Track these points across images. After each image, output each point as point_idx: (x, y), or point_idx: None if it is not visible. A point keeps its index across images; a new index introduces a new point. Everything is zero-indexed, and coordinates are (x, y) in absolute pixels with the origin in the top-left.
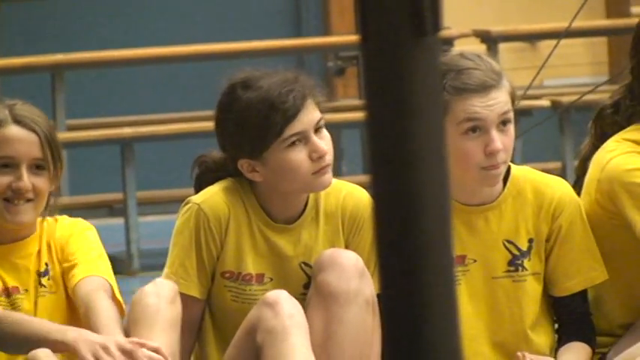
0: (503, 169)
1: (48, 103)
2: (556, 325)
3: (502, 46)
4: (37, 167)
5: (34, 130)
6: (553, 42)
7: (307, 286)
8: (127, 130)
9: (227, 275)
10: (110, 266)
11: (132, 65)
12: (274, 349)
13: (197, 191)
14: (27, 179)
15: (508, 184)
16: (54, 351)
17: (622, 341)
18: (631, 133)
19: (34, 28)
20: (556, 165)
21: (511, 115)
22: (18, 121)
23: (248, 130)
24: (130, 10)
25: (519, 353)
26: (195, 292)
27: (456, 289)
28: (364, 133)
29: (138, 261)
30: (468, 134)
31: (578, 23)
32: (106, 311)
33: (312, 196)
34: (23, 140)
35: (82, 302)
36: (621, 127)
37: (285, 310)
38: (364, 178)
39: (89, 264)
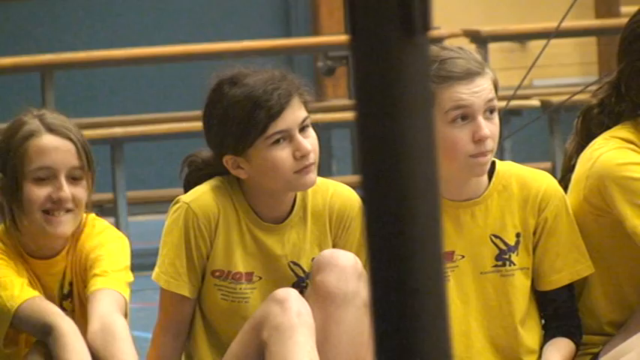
0: (490, 158)
1: (37, 103)
2: (543, 321)
3: (492, 46)
4: (73, 177)
5: (69, 138)
6: (542, 42)
7: (296, 285)
8: (117, 130)
9: (217, 274)
10: (130, 280)
11: (122, 65)
12: (280, 346)
13: (186, 191)
14: (67, 189)
15: (493, 178)
16: None
17: (613, 341)
18: (618, 131)
19: (24, 27)
20: (546, 165)
21: (496, 103)
22: (51, 129)
23: (232, 126)
24: (120, 10)
25: None
26: (185, 291)
27: (446, 285)
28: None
29: None
30: (456, 122)
31: (568, 23)
32: (125, 340)
33: (299, 195)
34: (60, 149)
35: (97, 316)
36: (607, 126)
37: (294, 308)
38: (354, 178)
39: (111, 276)
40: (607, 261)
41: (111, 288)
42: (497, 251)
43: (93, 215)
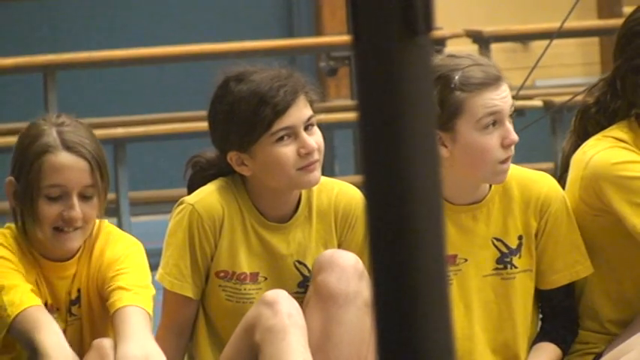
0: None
1: (40, 104)
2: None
3: (494, 47)
4: (85, 195)
5: (84, 157)
6: (545, 42)
7: (301, 284)
8: (120, 131)
9: (221, 275)
10: (154, 294)
11: (124, 65)
12: (273, 348)
13: (190, 191)
14: (78, 208)
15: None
16: None
17: (616, 341)
18: (612, 131)
19: (26, 28)
20: (548, 165)
21: (513, 108)
22: (68, 147)
23: (237, 123)
24: (122, 11)
25: None
26: (189, 292)
27: (449, 287)
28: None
29: None
30: (487, 130)
31: (570, 23)
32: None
33: (304, 194)
34: (74, 168)
35: (135, 339)
36: (602, 125)
37: (284, 310)
38: (356, 178)
39: (139, 293)
40: (607, 260)
41: (140, 305)
42: (498, 254)
43: (106, 222)
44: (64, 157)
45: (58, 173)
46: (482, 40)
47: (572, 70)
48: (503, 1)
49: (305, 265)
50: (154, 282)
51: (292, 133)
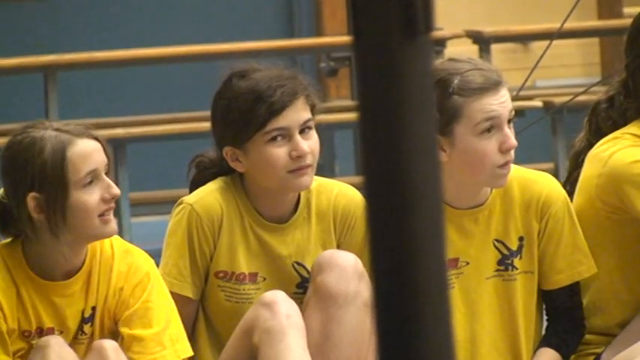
0: (511, 168)
1: (41, 104)
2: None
3: (494, 47)
4: (106, 172)
5: (92, 137)
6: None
7: (300, 285)
8: (120, 131)
9: (221, 275)
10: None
11: (124, 66)
12: (271, 349)
13: (192, 191)
14: (114, 185)
15: None
16: None
17: (617, 341)
18: (629, 128)
19: (26, 28)
20: (548, 165)
21: (513, 112)
22: (78, 134)
23: (233, 118)
24: (122, 11)
25: None
26: (188, 292)
27: (450, 291)
28: (357, 133)
29: None
30: (484, 134)
31: (570, 24)
32: None
33: (303, 195)
34: (96, 149)
35: None
36: (615, 123)
37: (283, 311)
38: (357, 179)
39: (161, 344)
40: (618, 261)
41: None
42: (499, 256)
43: (118, 238)
44: (84, 144)
45: (88, 159)
46: (483, 41)
47: (572, 70)
48: (503, 1)
49: (304, 266)
50: None
51: (286, 135)
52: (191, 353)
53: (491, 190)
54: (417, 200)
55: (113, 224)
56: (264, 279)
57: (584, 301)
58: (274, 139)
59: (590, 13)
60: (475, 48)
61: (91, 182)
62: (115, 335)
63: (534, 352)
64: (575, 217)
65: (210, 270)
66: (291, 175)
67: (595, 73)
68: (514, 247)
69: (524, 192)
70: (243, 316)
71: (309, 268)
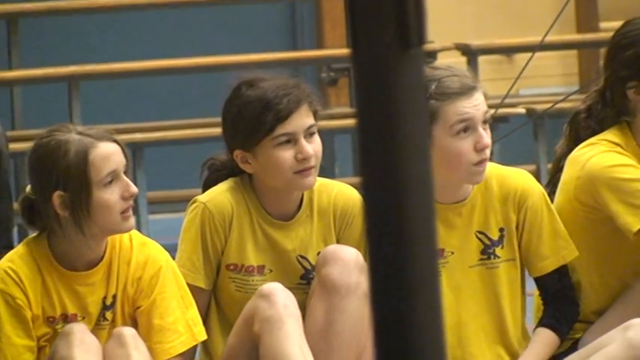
0: (487, 165)
1: (65, 111)
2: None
3: (481, 59)
4: (125, 172)
5: (112, 140)
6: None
7: (303, 277)
8: (138, 136)
9: (231, 267)
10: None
11: (141, 76)
12: (271, 337)
13: (204, 191)
14: (132, 183)
15: None
16: None
17: (594, 328)
18: (606, 135)
19: (51, 41)
20: (530, 168)
21: (489, 114)
22: (99, 138)
23: (243, 124)
24: (139, 28)
25: None
26: (201, 283)
27: (439, 280)
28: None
29: None
30: (459, 135)
31: (551, 37)
32: None
33: (306, 194)
34: (116, 152)
35: None
36: (593, 130)
37: (280, 301)
38: (355, 179)
39: (177, 331)
40: (593, 255)
41: (187, 347)
42: (482, 246)
43: (136, 232)
44: (105, 147)
45: (109, 161)
46: (471, 53)
47: (552, 80)
48: (489, 16)
49: (307, 260)
50: None
51: (292, 139)
52: (206, 336)
53: (473, 186)
54: (411, 198)
55: (132, 220)
56: (271, 271)
57: None
58: (281, 143)
59: (569, 27)
60: (463, 59)
61: (111, 182)
62: (135, 321)
63: (533, 331)
64: (552, 207)
65: (222, 263)
66: (296, 175)
67: (574, 83)
68: (495, 237)
69: (502, 187)
70: (243, 308)
71: (312, 261)
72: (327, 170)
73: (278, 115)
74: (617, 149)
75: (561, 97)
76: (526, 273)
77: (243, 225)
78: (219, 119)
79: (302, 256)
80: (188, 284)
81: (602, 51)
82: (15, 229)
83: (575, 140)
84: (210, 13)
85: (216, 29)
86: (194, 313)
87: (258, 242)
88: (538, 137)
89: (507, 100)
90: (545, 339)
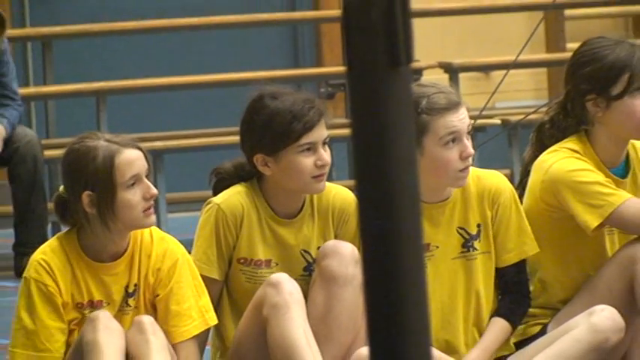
0: (469, 170)
1: (93, 122)
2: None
3: (461, 75)
4: (146, 175)
5: (136, 147)
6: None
7: (306, 268)
8: (158, 144)
9: (242, 261)
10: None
11: (161, 90)
12: (278, 321)
13: (215, 193)
14: (152, 186)
15: None
16: None
17: (560, 314)
18: (566, 143)
19: (81, 59)
20: (505, 172)
21: (471, 126)
22: (124, 145)
23: (272, 132)
24: (160, 46)
25: None
26: (215, 275)
27: (425, 271)
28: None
29: None
30: (448, 145)
31: (524, 57)
32: None
33: (308, 196)
34: (139, 158)
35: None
36: (556, 139)
37: (286, 289)
38: (350, 182)
39: (196, 317)
40: (558, 249)
41: (200, 330)
42: (462, 240)
43: (156, 228)
44: (129, 153)
45: (132, 166)
46: (452, 70)
47: (524, 94)
48: (469, 38)
49: (309, 253)
50: None
51: (313, 147)
52: (216, 322)
53: None
54: (399, 199)
55: (153, 217)
56: (277, 264)
57: (533, 283)
58: (303, 150)
59: (539, 48)
60: (446, 76)
61: (133, 184)
62: (154, 307)
63: (488, 321)
64: (520, 206)
65: (233, 257)
66: (313, 180)
67: (543, 96)
68: (474, 232)
69: (478, 186)
70: (254, 296)
71: (313, 255)
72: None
73: (305, 126)
74: (576, 155)
75: (532, 110)
76: None
77: (253, 223)
78: (230, 129)
79: (305, 251)
80: (203, 276)
81: None
82: (49, 225)
83: (540, 148)
84: (222, 35)
85: (227, 49)
86: (206, 301)
87: (265, 238)
88: (512, 145)
89: (485, 112)
90: (500, 328)
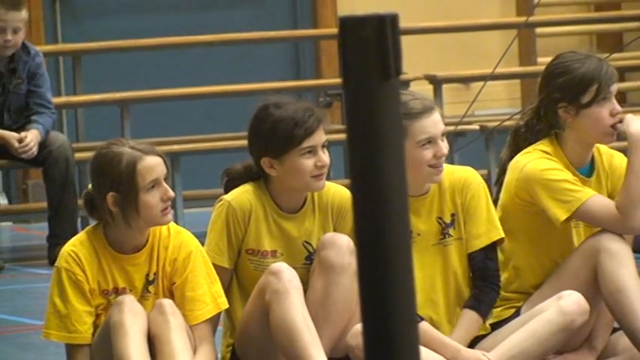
0: (443, 168)
1: (118, 128)
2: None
3: (444, 86)
4: (165, 179)
5: (158, 155)
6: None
7: (307, 258)
8: (175, 147)
9: (250, 252)
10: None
11: (178, 100)
12: (279, 305)
13: (226, 192)
14: (170, 189)
15: None
16: None
17: (532, 298)
18: (539, 145)
19: (107, 72)
20: (483, 172)
21: (446, 129)
22: (147, 152)
23: (276, 138)
24: (177, 60)
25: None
26: (225, 264)
27: (412, 258)
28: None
29: None
30: (424, 147)
31: (500, 69)
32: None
33: (309, 193)
34: (158, 164)
35: (199, 340)
36: (530, 142)
37: (286, 277)
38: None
39: (210, 301)
40: (530, 240)
41: (213, 314)
42: (440, 228)
43: (174, 224)
44: (150, 159)
45: (152, 171)
46: (436, 82)
47: (500, 103)
48: (451, 53)
49: (310, 245)
50: None
51: (313, 150)
52: (227, 306)
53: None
54: (389, 196)
55: (169, 216)
56: (282, 254)
57: (508, 270)
58: (305, 153)
59: (513, 62)
60: (430, 87)
61: (153, 187)
62: (171, 293)
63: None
64: (489, 197)
65: (242, 248)
66: (313, 179)
67: (517, 105)
68: (449, 220)
69: (451, 180)
70: (257, 283)
71: (314, 246)
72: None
73: (306, 131)
74: (547, 156)
75: (507, 117)
76: None
77: (260, 218)
78: (239, 134)
79: (306, 242)
80: (215, 264)
81: (539, 80)
82: (79, 219)
83: (515, 149)
84: (232, 50)
85: (236, 63)
86: (218, 287)
87: (271, 231)
88: (489, 148)
89: (465, 119)
90: (470, 319)
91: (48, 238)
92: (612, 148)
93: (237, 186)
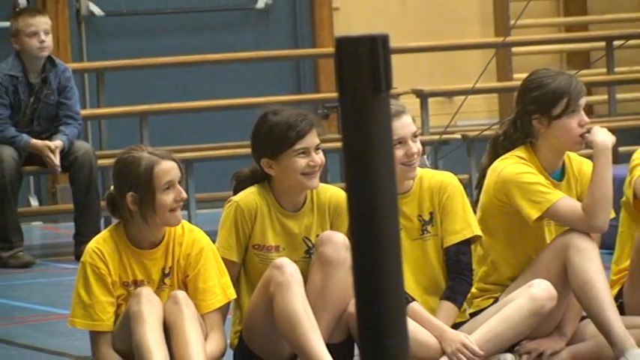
0: (417, 167)
1: (137, 138)
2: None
3: (430, 100)
4: (179, 182)
5: (174, 160)
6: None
7: (307, 252)
8: (189, 154)
9: (256, 247)
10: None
11: (192, 112)
12: (282, 296)
13: (235, 193)
14: (183, 191)
15: (416, 180)
16: None
17: (508, 289)
18: (516, 152)
19: (127, 87)
20: (464, 177)
21: (418, 132)
22: (163, 157)
23: (273, 139)
24: (192, 77)
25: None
26: (234, 258)
27: (401, 253)
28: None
29: None
30: (396, 147)
31: (480, 84)
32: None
33: (309, 194)
34: (174, 167)
35: (210, 328)
36: (507, 149)
37: (288, 271)
38: (341, 184)
39: (220, 292)
40: (507, 237)
41: (222, 303)
42: (420, 225)
43: (187, 222)
44: (166, 163)
45: (168, 174)
46: (423, 95)
47: (480, 114)
48: (436, 70)
49: (309, 240)
50: None
51: (306, 151)
52: (236, 296)
53: (413, 182)
54: (380, 198)
55: (179, 217)
56: (284, 249)
57: (486, 264)
58: (298, 153)
59: (492, 77)
60: (418, 100)
61: (168, 188)
62: (185, 285)
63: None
64: (465, 198)
65: (249, 243)
66: (304, 176)
67: (495, 116)
68: (427, 218)
69: (431, 182)
70: (262, 276)
71: (313, 242)
72: (321, 178)
73: (299, 134)
74: (522, 161)
75: (487, 127)
76: None
77: (264, 216)
78: (246, 142)
79: (306, 238)
80: (224, 259)
81: (515, 94)
82: (102, 219)
83: (494, 156)
84: (240, 67)
85: (243, 79)
86: (227, 279)
87: (275, 228)
88: (470, 155)
89: (448, 129)
90: (447, 309)
91: (74, 236)
92: (581, 155)
93: (244, 188)
